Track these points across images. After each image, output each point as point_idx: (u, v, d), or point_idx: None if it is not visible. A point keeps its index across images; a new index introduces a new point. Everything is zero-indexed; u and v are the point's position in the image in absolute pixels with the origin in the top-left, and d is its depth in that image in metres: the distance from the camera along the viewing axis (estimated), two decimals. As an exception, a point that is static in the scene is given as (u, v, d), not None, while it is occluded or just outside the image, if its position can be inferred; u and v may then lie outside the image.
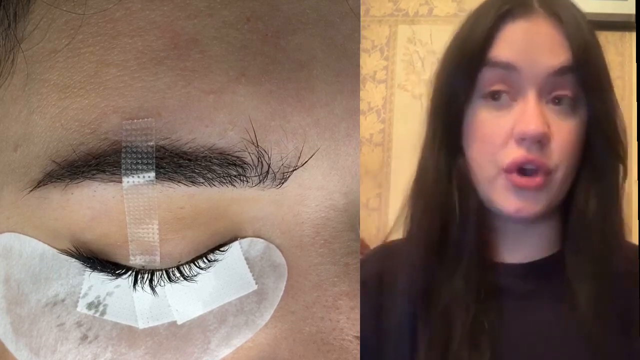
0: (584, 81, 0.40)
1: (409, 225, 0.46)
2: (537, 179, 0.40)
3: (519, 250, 0.44)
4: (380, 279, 0.45)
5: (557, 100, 0.41)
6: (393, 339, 0.44)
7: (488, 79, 0.41)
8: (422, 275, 0.43)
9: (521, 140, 0.40)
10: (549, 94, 0.40)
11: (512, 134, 0.40)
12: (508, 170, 0.40)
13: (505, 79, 0.40)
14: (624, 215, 0.43)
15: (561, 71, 0.40)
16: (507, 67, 0.40)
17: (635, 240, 0.46)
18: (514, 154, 0.40)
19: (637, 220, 0.47)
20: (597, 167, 0.42)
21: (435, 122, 0.44)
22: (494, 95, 0.41)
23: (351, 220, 0.35)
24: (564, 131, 0.40)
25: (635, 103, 1.10)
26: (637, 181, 0.53)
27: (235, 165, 0.32)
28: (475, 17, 0.42)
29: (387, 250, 0.49)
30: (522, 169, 0.40)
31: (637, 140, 0.48)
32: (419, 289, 0.43)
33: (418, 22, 1.21)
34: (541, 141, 0.40)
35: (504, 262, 0.44)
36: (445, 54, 0.44)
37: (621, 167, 0.43)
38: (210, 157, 0.32)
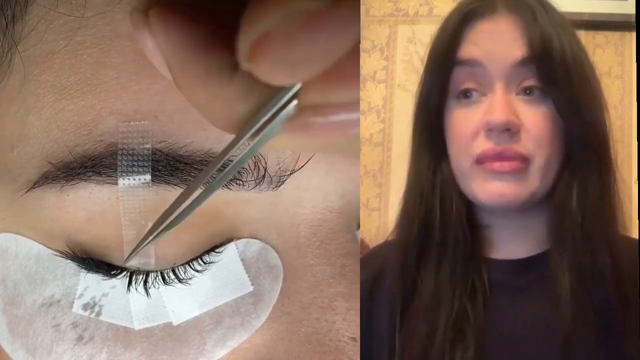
0: (544, 73, 0.41)
1: (397, 225, 0.47)
2: (513, 163, 0.41)
3: (510, 247, 0.44)
4: (374, 279, 0.46)
5: (527, 91, 0.42)
6: (382, 339, 0.44)
7: (459, 77, 0.42)
8: (401, 274, 0.44)
9: (489, 130, 0.41)
10: (517, 85, 0.41)
11: (481, 126, 0.41)
12: (479, 161, 0.41)
13: (474, 76, 0.42)
14: (617, 212, 0.43)
15: (522, 62, 0.41)
16: (474, 63, 0.42)
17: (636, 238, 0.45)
18: (484, 145, 0.41)
19: (638, 220, 0.47)
20: (576, 162, 0.42)
21: (417, 123, 0.46)
22: (466, 94, 0.43)
23: (348, 221, 0.35)
24: (535, 119, 0.41)
25: (635, 103, 1.10)
26: (637, 181, 0.52)
27: None
28: (446, 20, 0.44)
29: (382, 250, 0.49)
30: (494, 157, 0.41)
31: (637, 140, 0.48)
32: (400, 288, 0.44)
33: (418, 22, 1.21)
34: (510, 129, 0.40)
35: (496, 258, 0.44)
36: (426, 56, 0.46)
37: (609, 165, 0.43)
38: (207, 161, 0.32)
